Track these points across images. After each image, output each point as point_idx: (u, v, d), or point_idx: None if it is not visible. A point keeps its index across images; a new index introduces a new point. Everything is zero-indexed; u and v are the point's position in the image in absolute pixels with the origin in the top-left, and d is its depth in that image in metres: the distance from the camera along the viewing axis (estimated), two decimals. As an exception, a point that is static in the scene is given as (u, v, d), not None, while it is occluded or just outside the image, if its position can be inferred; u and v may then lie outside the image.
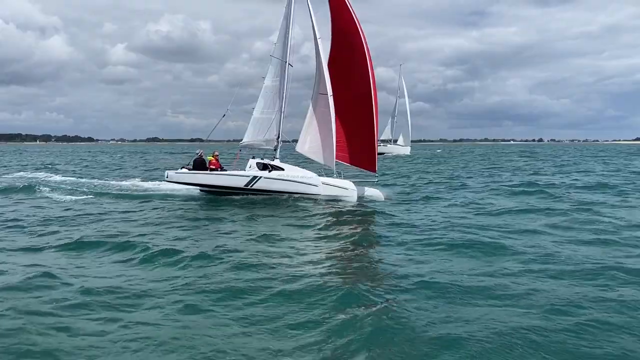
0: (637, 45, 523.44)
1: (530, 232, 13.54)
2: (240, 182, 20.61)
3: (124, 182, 26.75)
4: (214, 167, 21.54)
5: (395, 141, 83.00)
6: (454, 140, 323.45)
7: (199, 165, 21.59)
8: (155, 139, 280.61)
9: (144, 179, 28.60)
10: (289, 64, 21.76)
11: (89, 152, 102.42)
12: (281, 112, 21.91)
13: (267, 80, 22.23)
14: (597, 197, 21.23)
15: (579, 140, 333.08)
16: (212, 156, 21.95)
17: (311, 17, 20.80)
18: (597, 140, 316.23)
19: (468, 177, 32.62)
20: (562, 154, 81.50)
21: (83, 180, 28.50)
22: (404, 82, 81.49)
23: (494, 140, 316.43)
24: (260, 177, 20.44)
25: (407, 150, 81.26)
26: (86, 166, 46.51)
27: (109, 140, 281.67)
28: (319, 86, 20.82)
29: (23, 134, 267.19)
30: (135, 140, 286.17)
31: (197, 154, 22.26)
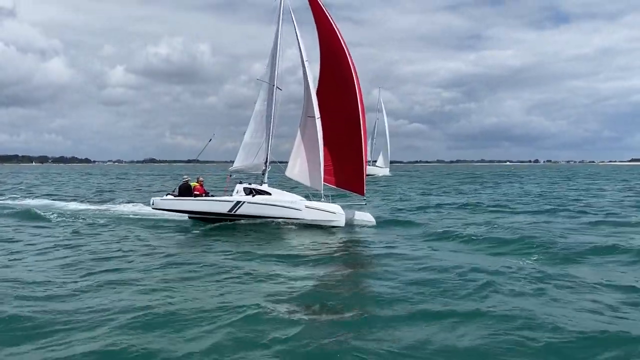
0: (632, 67, 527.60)
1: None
2: (224, 208, 20.06)
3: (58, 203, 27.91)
4: (198, 192, 21.01)
5: (375, 162, 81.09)
6: (451, 162, 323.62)
7: (184, 191, 21.03)
8: (152, 160, 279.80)
9: (90, 201, 29.20)
10: (277, 87, 21.39)
11: (79, 173, 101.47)
12: (269, 136, 21.42)
13: (257, 105, 21.73)
14: (450, 212, 25.03)
15: (575, 161, 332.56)
16: (197, 182, 21.45)
17: (298, 41, 20.52)
18: (594, 161, 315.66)
19: (381, 199, 33.50)
20: (524, 176, 76.95)
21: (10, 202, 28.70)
22: (383, 104, 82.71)
23: (490, 161, 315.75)
24: (244, 202, 19.89)
25: (386, 172, 79.00)
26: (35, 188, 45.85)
27: (106, 162, 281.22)
28: (307, 109, 20.44)
29: (19, 155, 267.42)
30: (132, 162, 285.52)
31: (183, 179, 21.76)
